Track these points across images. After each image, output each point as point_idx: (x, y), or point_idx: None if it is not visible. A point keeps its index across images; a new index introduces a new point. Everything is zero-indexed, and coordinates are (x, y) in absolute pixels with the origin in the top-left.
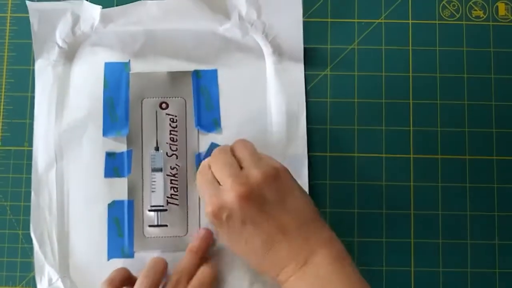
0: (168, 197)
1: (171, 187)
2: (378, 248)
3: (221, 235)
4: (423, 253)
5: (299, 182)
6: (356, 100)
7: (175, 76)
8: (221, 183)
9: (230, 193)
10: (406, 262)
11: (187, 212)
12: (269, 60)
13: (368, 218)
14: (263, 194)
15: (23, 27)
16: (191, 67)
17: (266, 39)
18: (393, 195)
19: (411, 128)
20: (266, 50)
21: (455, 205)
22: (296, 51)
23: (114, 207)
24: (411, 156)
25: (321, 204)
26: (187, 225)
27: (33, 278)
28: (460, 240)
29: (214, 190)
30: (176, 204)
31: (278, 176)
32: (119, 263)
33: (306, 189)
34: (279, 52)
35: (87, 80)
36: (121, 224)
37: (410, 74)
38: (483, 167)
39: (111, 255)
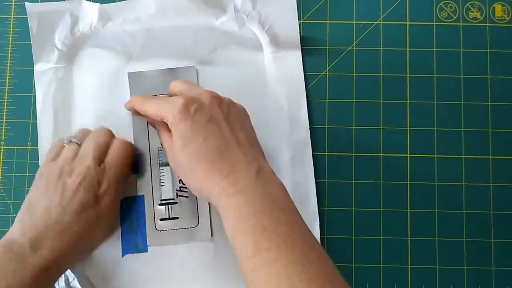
0: (177, 190)
1: (179, 180)
2: (376, 246)
3: (181, 128)
4: (420, 251)
5: (303, 165)
6: (354, 100)
7: (176, 72)
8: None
9: (204, 93)
10: (402, 259)
11: (197, 203)
12: (267, 50)
13: (365, 216)
14: (229, 107)
15: (26, 28)
16: (190, 62)
17: (263, 29)
18: (390, 193)
19: (408, 128)
20: (263, 40)
21: (452, 204)
22: (293, 39)
23: (125, 204)
24: (408, 155)
25: (320, 202)
26: (198, 216)
27: None
28: (457, 238)
29: (191, 92)
30: (185, 197)
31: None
32: (134, 258)
33: (312, 178)
34: (276, 41)
35: (90, 82)
36: (133, 220)
37: (408, 75)
38: (479, 166)
39: (125, 251)
